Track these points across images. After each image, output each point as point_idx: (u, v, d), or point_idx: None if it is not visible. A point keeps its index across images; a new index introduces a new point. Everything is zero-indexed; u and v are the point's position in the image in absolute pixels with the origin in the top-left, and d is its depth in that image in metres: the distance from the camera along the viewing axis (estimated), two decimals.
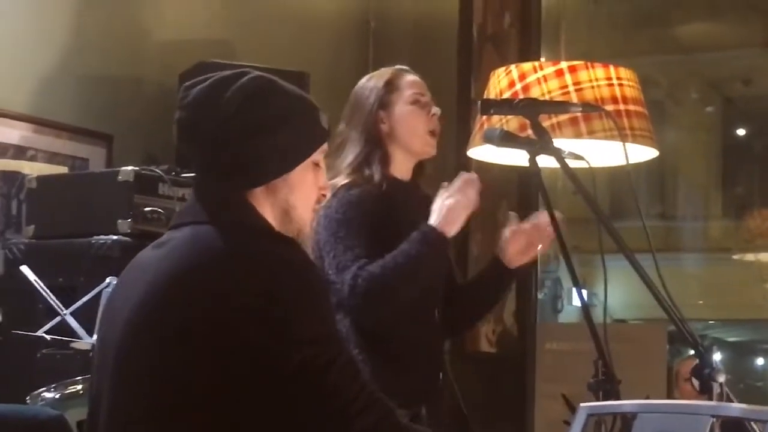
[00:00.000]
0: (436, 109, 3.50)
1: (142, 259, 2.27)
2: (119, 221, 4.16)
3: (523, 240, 3.50)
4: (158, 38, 5.23)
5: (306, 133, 2.29)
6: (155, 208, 4.23)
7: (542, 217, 3.44)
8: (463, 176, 3.38)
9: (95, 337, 3.48)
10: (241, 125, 2.21)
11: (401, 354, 3.40)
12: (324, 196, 2.40)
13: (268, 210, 2.24)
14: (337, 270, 3.28)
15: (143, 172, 4.26)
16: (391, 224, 3.37)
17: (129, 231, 4.14)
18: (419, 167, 3.55)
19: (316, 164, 2.33)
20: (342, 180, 3.40)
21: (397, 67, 3.56)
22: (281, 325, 2.06)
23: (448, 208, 3.32)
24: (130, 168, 4.24)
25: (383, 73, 3.53)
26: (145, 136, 4.97)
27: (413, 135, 3.46)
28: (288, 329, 2.06)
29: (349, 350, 2.17)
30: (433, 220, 3.32)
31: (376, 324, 3.33)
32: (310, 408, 2.08)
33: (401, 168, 3.48)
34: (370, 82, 3.52)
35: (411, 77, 3.53)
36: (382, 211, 3.37)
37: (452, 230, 3.33)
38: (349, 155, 3.44)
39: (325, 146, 2.37)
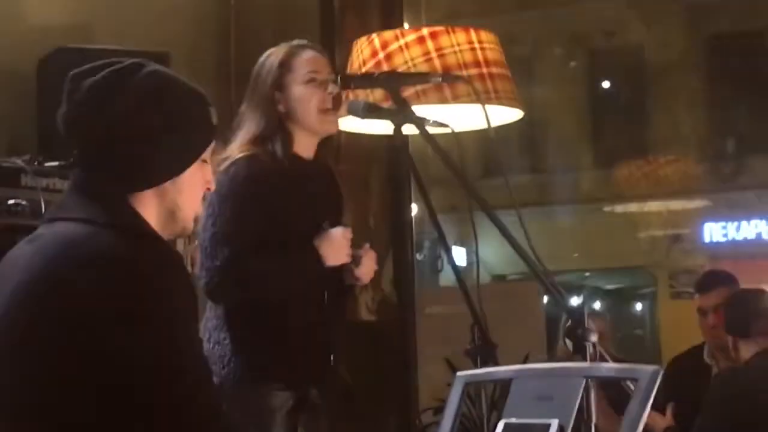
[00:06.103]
0: (332, 87, 3.45)
1: (15, 255, 2.22)
2: None
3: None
4: (14, 25, 5.11)
5: (198, 134, 2.26)
6: (18, 201, 4.14)
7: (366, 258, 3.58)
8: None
9: None
10: (135, 128, 2.16)
11: (287, 336, 3.39)
12: (209, 189, 2.35)
13: (152, 211, 2.21)
14: (209, 255, 3.29)
15: (4, 163, 4.16)
16: (291, 199, 3.40)
17: None
18: (324, 144, 3.54)
19: (204, 160, 2.29)
20: (237, 153, 3.37)
21: (295, 43, 3.51)
22: (140, 335, 2.04)
23: (330, 245, 3.43)
24: None
25: (279, 52, 3.48)
26: (6, 126, 4.86)
27: (308, 115, 3.44)
28: (145, 342, 2.04)
29: (199, 375, 2.12)
30: (318, 242, 3.40)
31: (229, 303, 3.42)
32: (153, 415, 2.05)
33: (303, 146, 3.47)
34: (267, 62, 3.47)
35: (307, 54, 3.48)
36: (279, 186, 3.38)
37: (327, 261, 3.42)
38: (246, 132, 3.42)
39: (213, 143, 2.32)
